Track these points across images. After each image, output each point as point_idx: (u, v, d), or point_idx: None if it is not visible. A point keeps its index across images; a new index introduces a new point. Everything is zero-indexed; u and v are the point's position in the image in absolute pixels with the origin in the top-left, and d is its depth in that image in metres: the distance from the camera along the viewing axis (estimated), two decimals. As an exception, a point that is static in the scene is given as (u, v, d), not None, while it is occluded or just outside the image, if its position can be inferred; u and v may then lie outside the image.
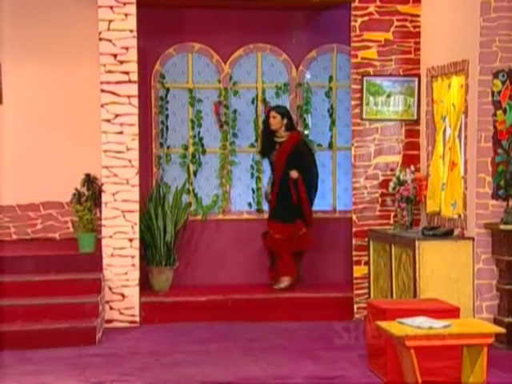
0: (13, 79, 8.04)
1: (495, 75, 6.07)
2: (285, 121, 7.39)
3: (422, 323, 4.68)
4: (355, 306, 7.19)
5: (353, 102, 7.25)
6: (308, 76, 7.98)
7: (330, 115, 7.97)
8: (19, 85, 8.05)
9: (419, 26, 7.15)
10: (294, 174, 7.29)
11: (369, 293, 7.10)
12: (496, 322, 5.94)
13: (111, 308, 6.92)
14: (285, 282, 7.36)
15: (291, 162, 7.31)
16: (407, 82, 7.18)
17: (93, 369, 5.53)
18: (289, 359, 5.71)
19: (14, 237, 8.11)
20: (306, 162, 7.39)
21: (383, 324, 4.84)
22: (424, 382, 4.54)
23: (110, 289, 6.93)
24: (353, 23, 7.16)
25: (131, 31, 6.92)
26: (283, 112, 7.43)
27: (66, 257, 7.01)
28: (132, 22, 6.92)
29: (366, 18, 7.15)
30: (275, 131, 7.42)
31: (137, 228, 6.99)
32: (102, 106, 6.93)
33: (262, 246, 7.67)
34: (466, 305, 5.99)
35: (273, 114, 7.41)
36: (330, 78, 7.97)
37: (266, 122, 7.50)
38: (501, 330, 4.77)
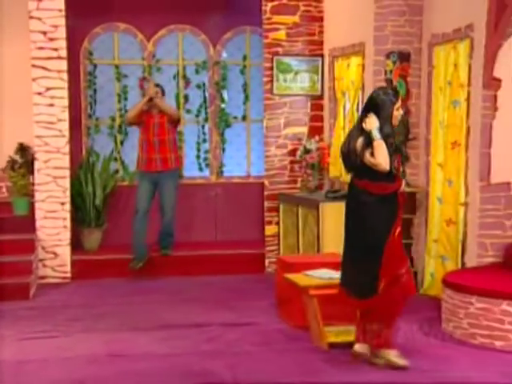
0: None
1: (387, 56, 6.27)
2: None
3: (323, 274, 4.85)
4: (267, 261, 7.36)
5: (264, 79, 7.36)
6: (224, 55, 8.05)
7: (244, 90, 8.07)
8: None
9: (323, 11, 7.29)
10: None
11: (278, 249, 7.25)
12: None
13: (44, 266, 6.96)
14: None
15: None
16: (312, 61, 7.32)
17: (27, 321, 5.53)
18: (207, 309, 5.79)
19: (-48, 201, 7.99)
20: None
21: (290, 276, 4.99)
22: (324, 324, 4.72)
23: (43, 248, 6.96)
24: (263, 7, 7.27)
25: (60, 10, 6.89)
26: None
27: (1, 219, 6.99)
28: (60, 2, 6.88)
29: (276, 3, 7.26)
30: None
31: (68, 192, 7.02)
32: (33, 80, 6.90)
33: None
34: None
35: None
36: (244, 57, 8.06)
37: (390, 114, 4.28)
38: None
